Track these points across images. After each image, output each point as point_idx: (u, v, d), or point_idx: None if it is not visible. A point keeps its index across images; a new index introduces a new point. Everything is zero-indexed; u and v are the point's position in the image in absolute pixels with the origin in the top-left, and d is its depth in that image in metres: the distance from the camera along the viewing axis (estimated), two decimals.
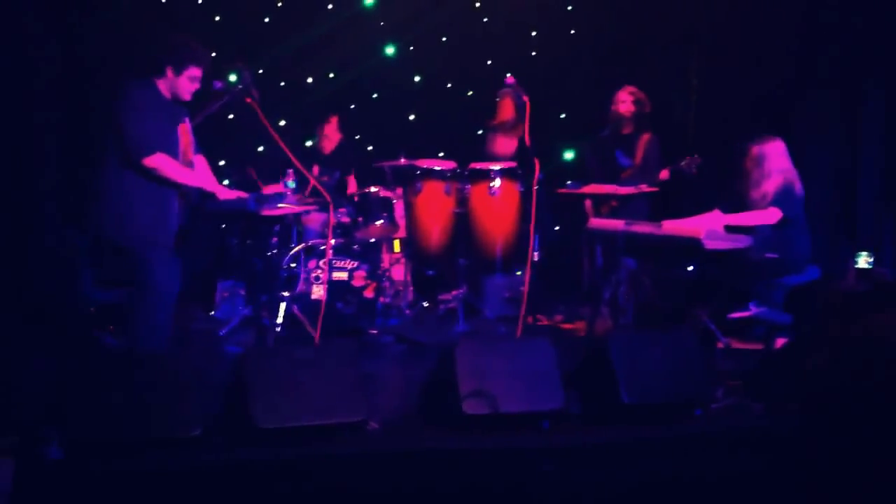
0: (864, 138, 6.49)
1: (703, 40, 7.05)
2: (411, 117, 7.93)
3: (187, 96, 4.54)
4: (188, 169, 4.57)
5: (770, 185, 5.22)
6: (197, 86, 4.55)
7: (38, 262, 5.58)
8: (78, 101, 6.18)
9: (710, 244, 4.91)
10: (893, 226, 6.40)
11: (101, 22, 6.46)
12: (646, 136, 5.97)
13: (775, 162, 5.28)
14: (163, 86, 4.48)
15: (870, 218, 6.47)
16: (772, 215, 5.16)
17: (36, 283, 5.51)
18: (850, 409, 3.56)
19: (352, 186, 6.91)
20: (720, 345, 5.19)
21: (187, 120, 4.63)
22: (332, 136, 6.88)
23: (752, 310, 5.20)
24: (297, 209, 5.53)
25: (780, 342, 5.00)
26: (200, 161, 4.77)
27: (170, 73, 4.46)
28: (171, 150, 4.46)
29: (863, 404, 3.47)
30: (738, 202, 5.31)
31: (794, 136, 5.72)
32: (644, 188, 5.64)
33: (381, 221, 5.98)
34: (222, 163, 6.94)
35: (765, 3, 6.60)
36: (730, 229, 5.08)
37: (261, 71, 7.07)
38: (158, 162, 4.32)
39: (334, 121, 6.91)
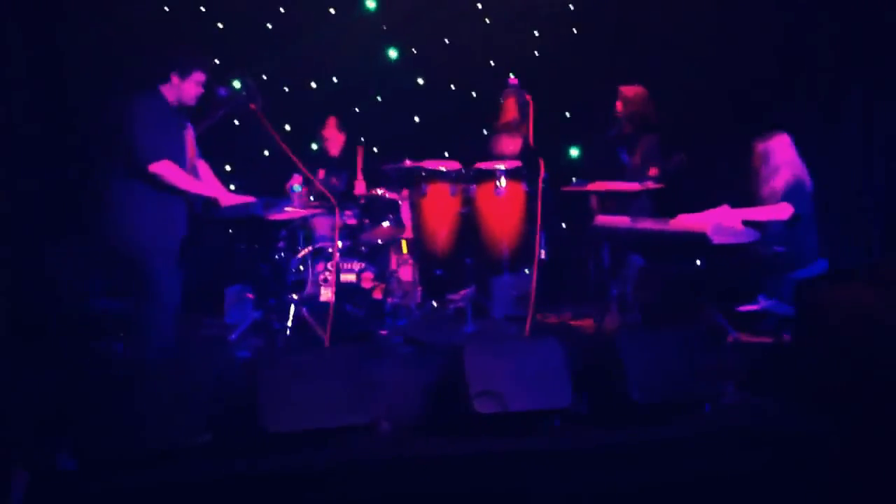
0: (847, 139, 6.48)
1: (703, 37, 7.03)
2: (415, 119, 7.94)
3: (192, 101, 4.58)
4: (192, 177, 4.60)
5: (779, 182, 5.21)
6: (202, 90, 4.59)
7: (43, 272, 5.60)
8: (78, 109, 6.20)
9: (717, 239, 4.89)
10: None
11: (105, 33, 6.49)
12: (647, 136, 5.97)
13: (782, 157, 5.26)
14: (168, 93, 4.51)
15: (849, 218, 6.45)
16: (783, 211, 5.14)
17: (42, 293, 5.53)
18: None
19: (360, 187, 6.89)
20: (730, 339, 5.18)
21: (189, 126, 4.66)
22: (333, 137, 6.88)
23: (761, 303, 5.19)
24: (304, 213, 5.55)
25: (789, 336, 4.99)
26: (203, 166, 4.80)
27: (175, 79, 4.50)
28: (179, 156, 4.49)
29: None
30: (748, 200, 5.30)
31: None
32: (650, 185, 5.63)
33: (388, 223, 5.99)
34: (228, 168, 6.95)
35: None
36: (742, 224, 5.07)
37: (264, 77, 7.09)
38: (163, 169, 4.34)
39: (332, 122, 6.91)
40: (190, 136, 4.65)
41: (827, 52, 6.44)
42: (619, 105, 6.03)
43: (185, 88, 4.52)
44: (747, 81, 6.67)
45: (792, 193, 5.18)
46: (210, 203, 4.68)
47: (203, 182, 4.75)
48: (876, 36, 6.18)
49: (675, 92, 6.98)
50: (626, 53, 7.32)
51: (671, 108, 6.25)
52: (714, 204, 5.27)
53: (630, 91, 6.01)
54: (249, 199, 4.86)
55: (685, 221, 5.10)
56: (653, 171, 5.80)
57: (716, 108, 6.86)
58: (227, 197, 4.78)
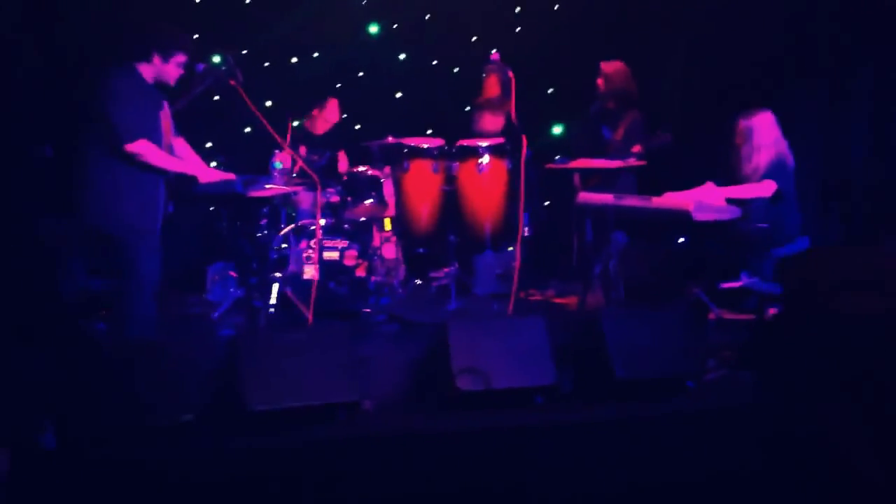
0: (852, 116, 6.47)
1: (693, 14, 6.99)
2: (398, 95, 7.89)
3: (172, 82, 4.55)
4: (171, 155, 4.56)
5: (762, 159, 5.21)
6: (182, 71, 4.56)
7: (25, 252, 5.55)
8: (60, 88, 6.12)
9: (700, 216, 4.90)
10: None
11: (82, 7, 6.39)
12: (630, 112, 5.94)
13: (765, 135, 5.26)
14: (146, 71, 4.46)
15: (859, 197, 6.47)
16: (767, 188, 5.15)
17: (24, 273, 5.47)
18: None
19: (343, 164, 6.89)
20: (712, 316, 5.20)
21: (166, 104, 4.61)
22: (329, 118, 6.91)
23: (744, 280, 5.21)
24: (285, 190, 5.51)
25: (772, 312, 5.01)
26: (181, 143, 4.76)
27: (157, 59, 4.44)
28: (155, 135, 4.44)
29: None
30: (731, 177, 5.30)
31: (784, 112, 5.71)
32: (632, 162, 5.62)
33: (371, 200, 5.96)
34: (209, 145, 6.89)
35: None
36: (725, 201, 5.08)
37: (244, 52, 7.02)
38: (141, 148, 4.30)
39: (333, 104, 6.93)
40: (166, 113, 4.60)
41: (834, 32, 6.41)
42: (600, 81, 6.00)
43: (167, 69, 4.47)
44: (740, 58, 6.63)
45: (774, 171, 5.19)
46: (189, 180, 4.64)
47: (181, 159, 4.71)
48: (883, 14, 6.15)
49: (663, 68, 6.98)
50: (610, 29, 7.27)
51: (657, 86, 6.23)
52: (703, 182, 5.27)
53: (611, 67, 5.97)
54: (229, 175, 4.82)
55: (668, 199, 5.10)
56: (636, 148, 5.78)
57: (707, 84, 6.85)
58: (207, 173, 4.74)
